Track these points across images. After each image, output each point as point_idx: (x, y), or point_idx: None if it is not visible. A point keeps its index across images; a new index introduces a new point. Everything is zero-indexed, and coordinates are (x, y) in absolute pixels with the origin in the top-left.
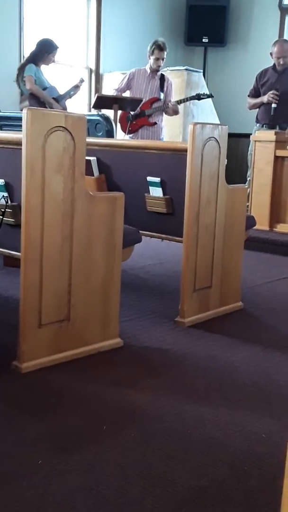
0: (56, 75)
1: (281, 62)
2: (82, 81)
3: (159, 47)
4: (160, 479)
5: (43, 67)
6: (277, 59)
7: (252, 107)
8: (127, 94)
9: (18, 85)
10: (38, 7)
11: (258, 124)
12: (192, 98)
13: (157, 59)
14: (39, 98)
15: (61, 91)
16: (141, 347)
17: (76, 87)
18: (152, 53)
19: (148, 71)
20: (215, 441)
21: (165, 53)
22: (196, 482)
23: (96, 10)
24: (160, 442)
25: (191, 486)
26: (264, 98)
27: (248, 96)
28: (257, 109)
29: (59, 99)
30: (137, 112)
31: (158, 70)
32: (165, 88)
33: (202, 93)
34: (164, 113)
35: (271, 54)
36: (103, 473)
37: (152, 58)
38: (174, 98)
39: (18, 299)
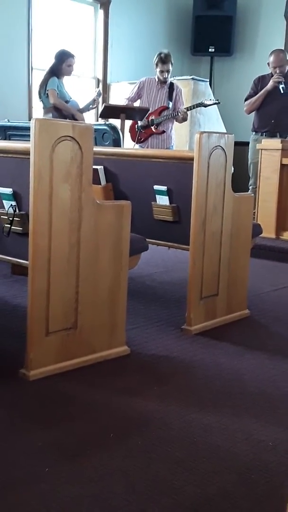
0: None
1: (278, 72)
2: (100, 94)
3: (161, 60)
4: (167, 487)
5: (65, 80)
6: (274, 69)
7: (253, 105)
8: (138, 103)
9: (41, 99)
10: (46, 19)
11: (254, 133)
12: (199, 105)
13: (161, 72)
14: (62, 111)
15: (81, 104)
16: (148, 355)
17: (94, 101)
18: (156, 66)
19: (157, 80)
20: (222, 449)
21: (169, 64)
22: (202, 490)
23: (103, 21)
24: (166, 450)
25: (198, 494)
26: (269, 85)
27: (246, 100)
28: (254, 117)
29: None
30: (145, 121)
31: (165, 82)
32: (174, 96)
33: (208, 99)
34: (175, 121)
35: (268, 64)
36: (109, 481)
37: (157, 70)
38: (184, 105)
39: (26, 307)
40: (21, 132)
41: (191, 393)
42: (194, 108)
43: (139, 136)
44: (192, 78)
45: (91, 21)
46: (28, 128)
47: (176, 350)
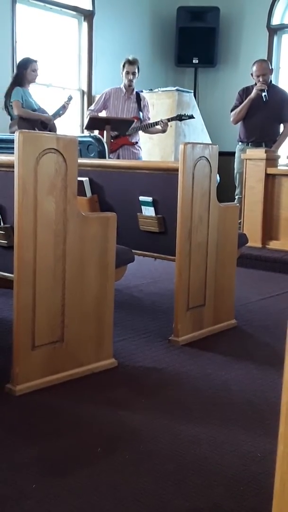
0: (49, 97)
1: (261, 80)
2: (70, 98)
3: (128, 62)
4: (155, 501)
5: (32, 88)
6: (257, 78)
7: (239, 115)
8: (103, 114)
9: (7, 111)
10: (30, 32)
11: (240, 143)
12: (174, 119)
13: (127, 73)
14: (30, 119)
15: (50, 112)
16: (136, 367)
17: (64, 107)
18: (123, 68)
19: (124, 89)
20: (210, 461)
21: (136, 67)
22: (191, 503)
23: (87, 34)
24: (154, 463)
25: (186, 507)
26: (252, 94)
27: (232, 111)
28: (239, 127)
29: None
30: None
31: (131, 86)
32: (142, 107)
33: (183, 114)
34: (143, 132)
35: (251, 74)
36: (97, 496)
37: (123, 73)
38: (151, 115)
39: (11, 320)
40: (5, 145)
41: (179, 405)
42: (169, 121)
43: (110, 146)
44: (177, 90)
45: (75, 33)
46: (12, 141)
47: (163, 362)
